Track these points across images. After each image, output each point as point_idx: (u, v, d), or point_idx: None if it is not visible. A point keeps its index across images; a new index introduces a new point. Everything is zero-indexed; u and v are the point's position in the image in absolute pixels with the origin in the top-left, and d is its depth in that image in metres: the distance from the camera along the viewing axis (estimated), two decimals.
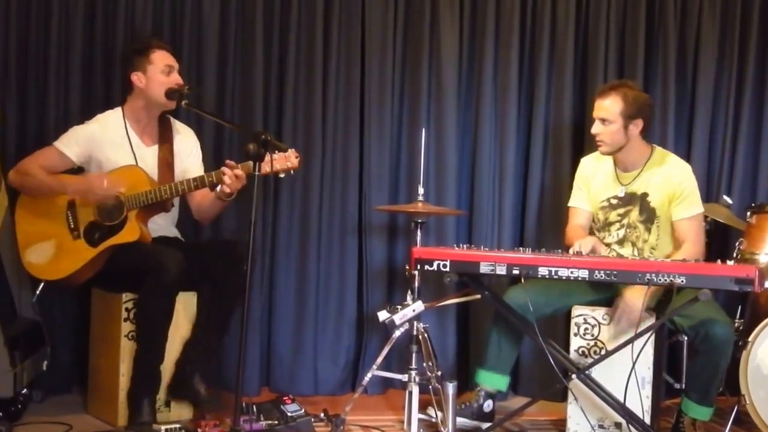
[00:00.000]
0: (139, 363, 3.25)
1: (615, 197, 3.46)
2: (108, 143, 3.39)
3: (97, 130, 3.40)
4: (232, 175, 3.17)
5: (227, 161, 3.23)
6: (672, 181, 3.37)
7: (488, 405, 3.40)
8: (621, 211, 3.44)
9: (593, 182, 3.53)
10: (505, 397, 3.87)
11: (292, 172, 3.20)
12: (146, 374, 3.25)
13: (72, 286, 3.43)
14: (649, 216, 3.40)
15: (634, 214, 3.42)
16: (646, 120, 3.40)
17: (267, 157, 3.00)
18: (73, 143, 3.37)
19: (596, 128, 3.39)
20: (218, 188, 3.27)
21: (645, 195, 3.41)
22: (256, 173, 2.86)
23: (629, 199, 3.43)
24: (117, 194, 3.27)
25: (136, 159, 3.40)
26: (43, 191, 3.33)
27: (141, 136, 3.46)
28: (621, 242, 3.44)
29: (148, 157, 3.44)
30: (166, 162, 3.45)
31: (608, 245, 3.45)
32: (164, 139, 3.48)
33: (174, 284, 3.20)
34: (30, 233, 3.35)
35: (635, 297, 3.13)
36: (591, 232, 3.53)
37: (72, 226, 3.33)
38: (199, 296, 3.42)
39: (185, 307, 3.40)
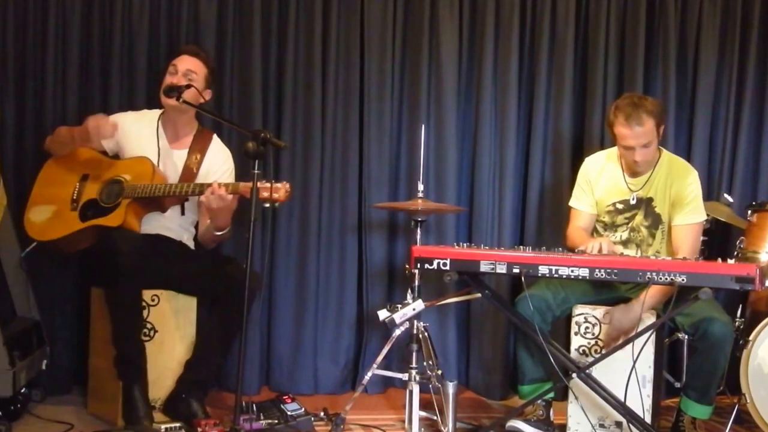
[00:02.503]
0: (116, 358, 3.23)
1: (622, 202, 3.42)
2: (135, 135, 3.45)
3: (128, 120, 3.47)
4: (210, 191, 3.16)
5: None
6: (677, 187, 3.34)
7: (551, 413, 3.35)
8: (627, 215, 3.42)
9: (598, 185, 3.48)
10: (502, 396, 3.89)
11: (276, 205, 3.09)
12: (128, 365, 3.21)
13: (60, 254, 3.48)
14: (654, 221, 3.38)
15: (639, 218, 3.40)
16: (666, 124, 3.37)
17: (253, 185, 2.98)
18: None
19: (640, 154, 3.26)
20: (209, 222, 3.34)
21: (650, 200, 3.38)
22: (256, 171, 2.85)
23: (637, 204, 3.41)
24: (122, 180, 3.33)
25: (159, 155, 3.43)
26: (63, 141, 3.43)
27: (170, 138, 3.50)
28: (625, 243, 3.43)
29: (173, 159, 3.47)
30: (190, 169, 3.47)
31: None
32: (197, 149, 3.50)
33: (127, 273, 3.15)
34: (40, 195, 3.45)
35: (627, 322, 3.13)
36: (594, 231, 3.52)
37: (74, 197, 3.39)
38: (198, 315, 3.42)
39: (186, 311, 3.40)
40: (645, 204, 3.39)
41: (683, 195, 3.32)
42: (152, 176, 3.33)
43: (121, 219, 3.28)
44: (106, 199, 3.34)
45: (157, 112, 3.55)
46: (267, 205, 3.04)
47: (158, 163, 3.42)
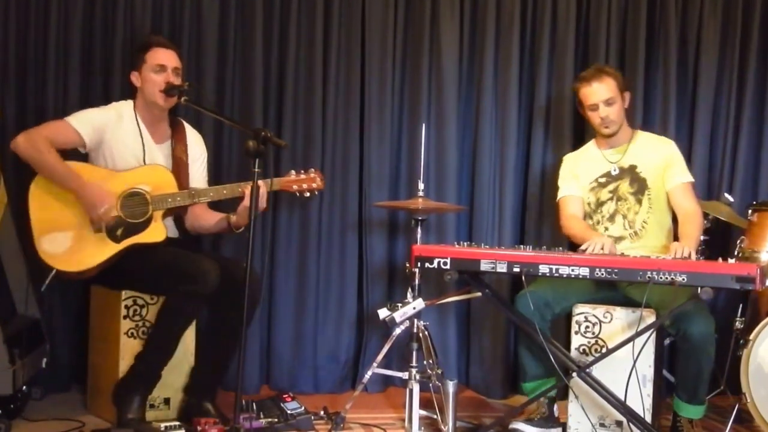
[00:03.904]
0: (144, 360, 3.22)
1: (604, 175, 3.51)
2: (122, 132, 3.40)
3: (112, 118, 3.40)
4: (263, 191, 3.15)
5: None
6: (664, 150, 3.49)
7: (555, 409, 3.35)
8: (611, 187, 3.51)
9: (579, 171, 3.58)
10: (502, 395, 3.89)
11: (316, 192, 3.30)
12: (147, 372, 3.21)
13: (80, 279, 3.36)
14: (640, 187, 3.47)
15: (624, 186, 3.49)
16: (630, 92, 3.56)
17: (292, 176, 3.32)
18: (87, 124, 3.34)
19: (604, 110, 3.44)
20: (233, 218, 3.34)
21: (634, 167, 3.49)
22: (257, 170, 2.85)
23: (620, 174, 3.49)
24: (142, 192, 3.28)
25: (144, 152, 3.40)
26: (51, 175, 3.23)
27: (150, 132, 3.46)
28: (612, 218, 3.49)
29: (159, 154, 3.44)
30: (181, 161, 3.45)
31: (598, 222, 3.52)
32: (178, 139, 3.49)
33: (211, 295, 3.15)
34: (47, 220, 3.22)
35: None
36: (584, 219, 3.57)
37: None
38: (197, 320, 3.39)
39: None
40: (629, 171, 3.49)
41: (670, 157, 3.47)
42: (175, 183, 3.32)
43: (165, 232, 3.28)
44: (131, 215, 3.26)
45: (128, 106, 3.45)
46: (308, 194, 3.35)
47: (144, 160, 3.39)
